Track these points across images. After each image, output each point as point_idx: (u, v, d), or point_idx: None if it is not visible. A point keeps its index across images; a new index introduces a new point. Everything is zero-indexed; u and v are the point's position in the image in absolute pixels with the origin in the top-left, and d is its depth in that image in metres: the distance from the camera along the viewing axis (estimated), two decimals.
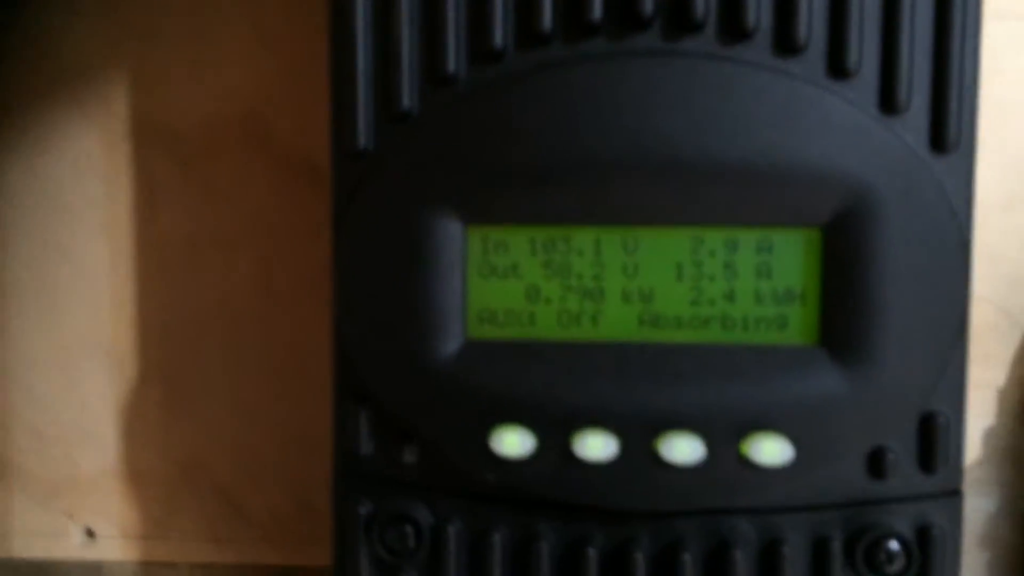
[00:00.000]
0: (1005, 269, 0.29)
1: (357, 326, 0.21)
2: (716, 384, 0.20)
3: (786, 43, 0.20)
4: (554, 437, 0.20)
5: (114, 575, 0.34)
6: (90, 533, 0.34)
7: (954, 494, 0.21)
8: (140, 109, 0.32)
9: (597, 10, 0.20)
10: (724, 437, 0.20)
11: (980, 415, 0.30)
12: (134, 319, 0.33)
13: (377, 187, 0.21)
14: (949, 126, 0.20)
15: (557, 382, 0.21)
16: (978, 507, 0.30)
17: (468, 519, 0.22)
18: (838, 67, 0.20)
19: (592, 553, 0.21)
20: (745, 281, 0.20)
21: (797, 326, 0.20)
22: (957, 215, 0.20)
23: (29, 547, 0.34)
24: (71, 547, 0.34)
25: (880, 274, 0.20)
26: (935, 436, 0.20)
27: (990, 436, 0.30)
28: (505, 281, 0.21)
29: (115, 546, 0.34)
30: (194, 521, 0.33)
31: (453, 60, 0.21)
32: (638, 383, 0.20)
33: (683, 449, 0.20)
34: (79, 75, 0.32)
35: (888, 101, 0.20)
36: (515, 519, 0.21)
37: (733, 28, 0.20)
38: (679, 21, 0.20)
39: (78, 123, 0.32)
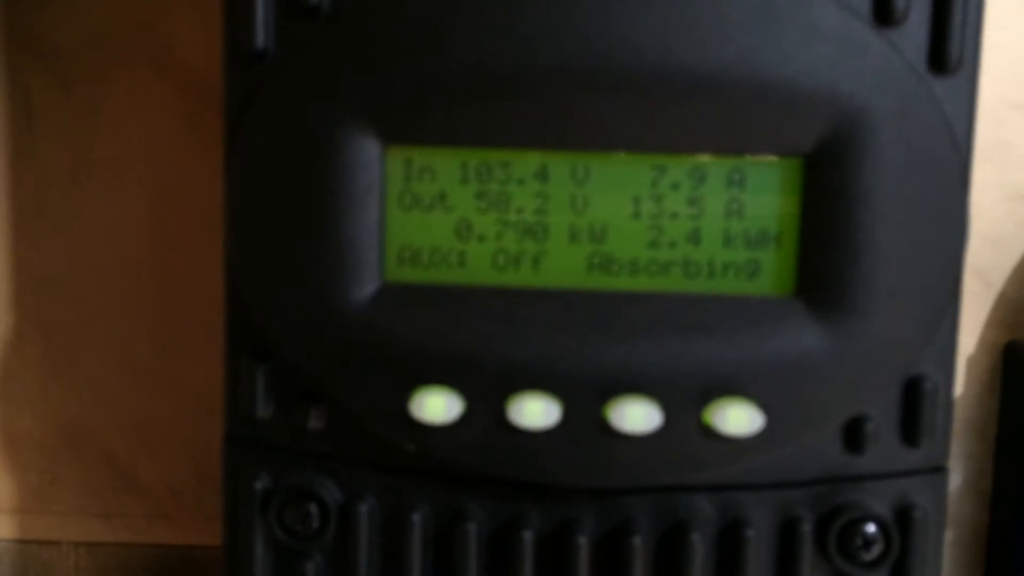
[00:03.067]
0: (977, 226, 0.28)
1: (253, 267, 0.18)
2: (676, 341, 0.17)
3: None
4: (485, 401, 0.17)
5: None
6: None
7: (939, 471, 0.18)
8: (15, 21, 0.28)
9: None
10: (684, 403, 0.17)
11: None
12: (8, 265, 0.30)
13: (277, 96, 0.18)
14: (951, 42, 0.17)
15: (490, 336, 0.17)
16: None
17: (383, 496, 0.19)
18: None
19: (527, 536, 0.18)
20: (712, 220, 0.18)
21: (771, 274, 0.18)
22: (959, 146, 0.17)
23: None
24: None
25: (870, 214, 0.17)
26: (921, 404, 0.18)
27: (957, 406, 0.28)
28: (431, 214, 0.18)
29: None
30: (79, 494, 0.31)
31: None
32: (585, 339, 0.17)
33: (636, 416, 0.17)
34: None
35: (884, 9, 0.17)
36: (438, 496, 0.18)
37: None
38: None
39: None
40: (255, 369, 0.18)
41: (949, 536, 0.29)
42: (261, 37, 0.18)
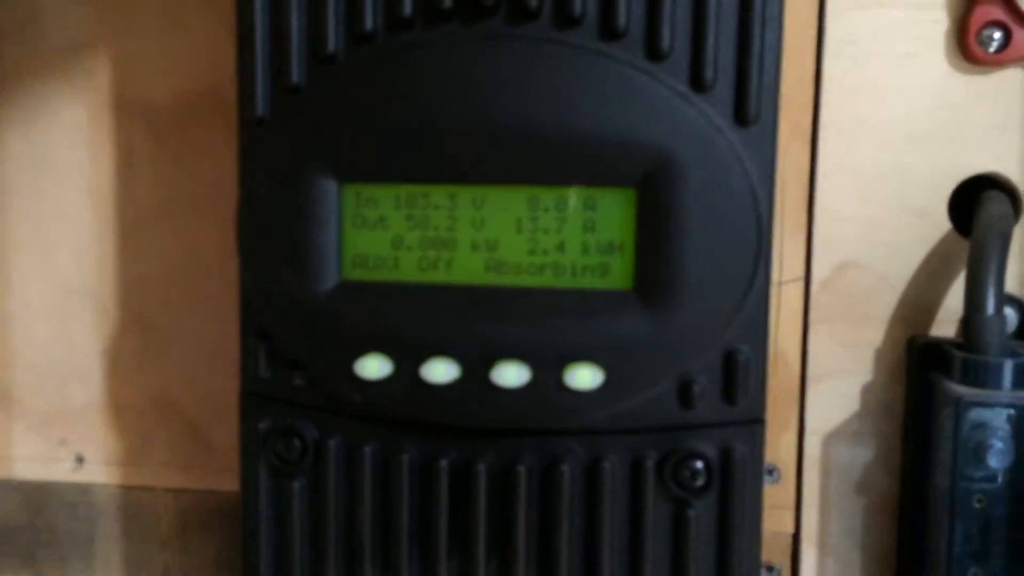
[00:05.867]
0: (883, 237, 0.32)
1: (254, 271, 0.25)
2: (544, 321, 0.23)
3: (609, 30, 0.23)
4: (407, 363, 0.24)
5: (100, 497, 0.39)
6: (80, 459, 0.38)
7: (754, 422, 0.24)
8: (120, 84, 0.36)
9: (449, 1, 0.24)
10: (547, 366, 0.23)
11: (859, 372, 0.32)
12: (116, 271, 0.37)
13: (269, 150, 0.25)
14: (750, 102, 0.23)
15: (412, 317, 0.24)
16: (856, 457, 0.33)
17: (344, 435, 0.25)
18: (654, 51, 0.23)
19: (444, 465, 0.25)
20: (573, 234, 0.24)
21: (616, 274, 0.24)
22: (750, 177, 0.23)
23: (28, 470, 0.39)
24: (64, 471, 0.39)
25: (684, 229, 0.23)
26: (736, 371, 0.23)
27: (867, 391, 0.32)
28: (374, 231, 0.25)
29: (101, 471, 0.38)
30: (167, 451, 0.38)
31: (333, 42, 0.24)
32: (480, 319, 0.24)
33: (512, 375, 0.23)
34: (68, 54, 0.36)
35: (697, 80, 0.23)
36: (381, 436, 0.25)
37: (564, 16, 0.23)
38: (519, 9, 0.23)
39: (67, 96, 0.36)
40: (258, 344, 0.26)
41: (864, 502, 0.33)
42: (260, 108, 0.25)
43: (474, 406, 0.24)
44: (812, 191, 0.32)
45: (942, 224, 0.31)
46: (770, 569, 0.33)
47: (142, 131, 0.36)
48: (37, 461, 0.39)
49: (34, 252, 0.38)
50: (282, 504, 0.26)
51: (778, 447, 0.33)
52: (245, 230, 0.25)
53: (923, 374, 0.31)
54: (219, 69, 0.35)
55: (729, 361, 0.23)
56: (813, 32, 0.31)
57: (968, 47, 0.29)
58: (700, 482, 0.23)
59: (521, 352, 0.23)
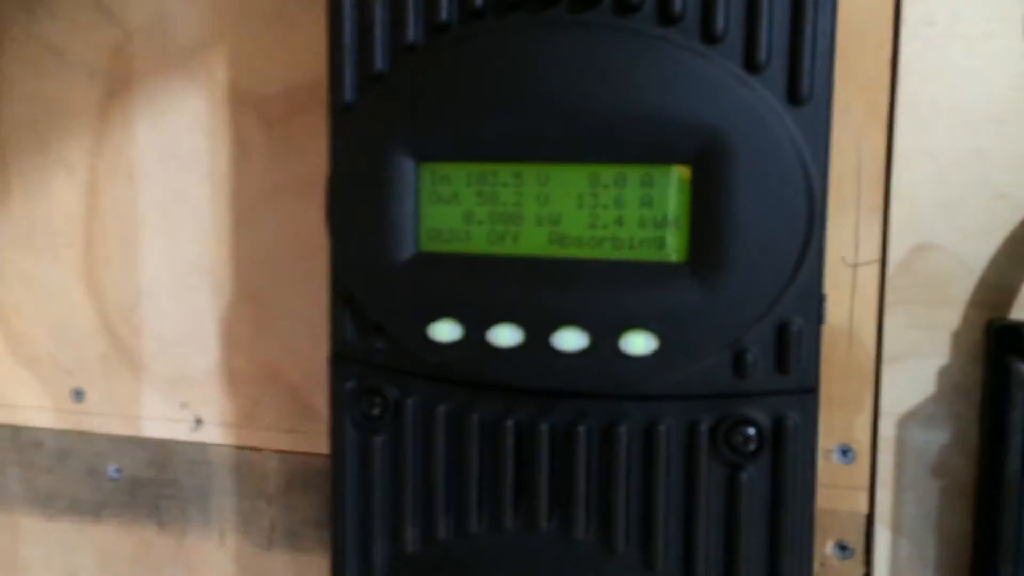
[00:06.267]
0: (961, 220, 0.32)
1: (341, 243, 0.28)
2: (602, 291, 0.25)
3: (666, 15, 0.24)
4: (475, 328, 0.26)
5: (215, 455, 0.42)
6: (198, 421, 0.42)
7: (806, 391, 0.24)
8: (235, 78, 0.39)
9: None
10: (604, 332, 0.25)
11: (936, 354, 0.32)
12: (230, 250, 0.41)
13: (355, 133, 0.27)
14: (802, 82, 0.24)
15: (481, 286, 0.26)
16: (932, 439, 0.33)
17: (421, 395, 0.28)
18: (709, 34, 0.24)
19: (509, 424, 0.26)
20: (631, 209, 0.25)
21: (671, 247, 0.25)
22: (802, 154, 0.24)
23: (155, 429, 0.43)
24: (184, 431, 0.42)
25: (736, 205, 0.24)
26: (789, 342, 0.24)
27: (944, 374, 0.33)
28: (448, 206, 0.27)
29: (216, 432, 0.42)
30: (274, 415, 0.41)
31: (413, 32, 0.27)
32: (543, 288, 0.26)
33: (571, 340, 0.25)
34: (191, 52, 0.40)
35: (750, 61, 0.24)
36: (453, 396, 0.27)
37: (624, 3, 0.25)
38: None
39: (190, 90, 0.40)
40: (344, 310, 0.28)
41: (940, 484, 0.33)
42: (349, 95, 0.27)
43: (536, 369, 0.25)
44: (889, 173, 0.32)
45: (1021, 206, 0.31)
46: (844, 548, 0.34)
47: (254, 121, 0.39)
48: (162, 421, 0.43)
49: (161, 233, 0.41)
50: (365, 457, 0.28)
51: (853, 428, 0.33)
52: (334, 206, 0.28)
53: (1001, 357, 0.31)
54: (321, 63, 0.37)
55: (782, 332, 0.24)
56: (890, 15, 0.32)
57: None
58: (752, 447, 0.24)
59: (580, 319, 0.25)
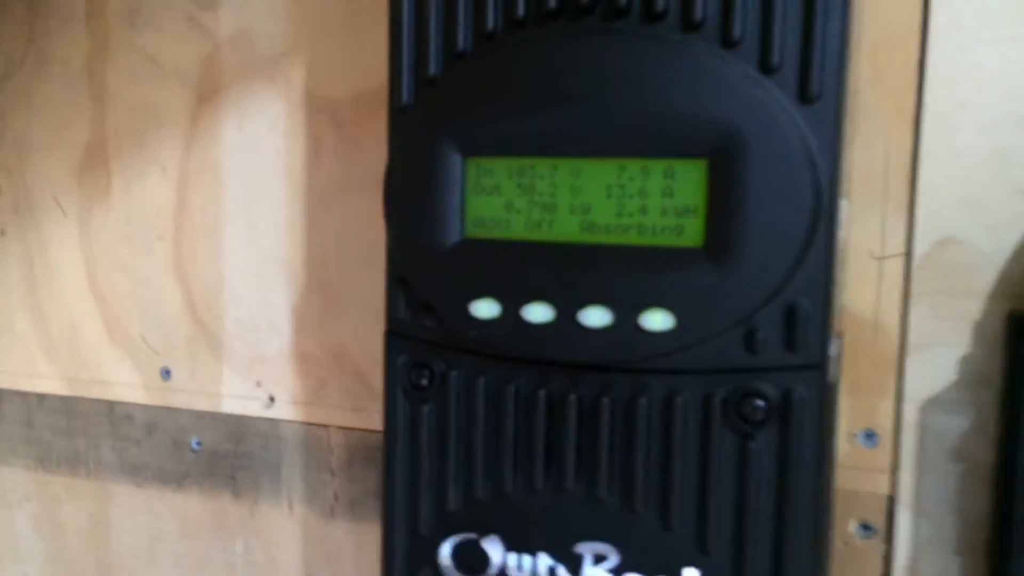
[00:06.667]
0: (985, 215, 0.34)
1: (396, 229, 0.31)
2: (627, 273, 0.28)
3: (688, 23, 0.27)
4: (512, 306, 0.29)
5: (285, 431, 0.46)
6: (271, 399, 0.46)
7: (813, 368, 0.27)
8: (310, 85, 0.43)
9: (554, 2, 0.28)
10: (626, 309, 0.27)
11: (958, 344, 0.34)
12: (304, 241, 0.44)
13: (410, 131, 0.31)
14: (812, 83, 0.26)
15: (518, 268, 0.29)
16: (953, 425, 0.34)
17: (464, 368, 0.31)
18: (727, 40, 0.27)
19: (541, 395, 0.29)
20: (655, 199, 0.28)
21: (690, 233, 0.27)
22: (811, 149, 0.26)
23: (232, 406, 0.47)
24: (259, 407, 0.46)
25: (749, 195, 0.26)
26: (797, 322, 0.27)
27: (966, 362, 0.34)
28: (490, 197, 0.30)
29: (287, 409, 0.46)
30: (340, 395, 0.44)
31: (462, 40, 0.30)
32: (573, 270, 0.28)
33: (596, 317, 0.28)
34: (271, 61, 0.44)
35: (765, 64, 0.26)
36: (492, 369, 0.30)
37: (650, 12, 0.27)
38: (612, 8, 0.28)
39: (270, 96, 0.44)
40: (397, 290, 0.31)
41: (960, 469, 0.34)
42: (405, 97, 0.31)
43: (565, 343, 0.28)
44: (915, 171, 0.34)
45: None
46: (867, 528, 0.36)
47: (327, 124, 0.43)
48: (239, 398, 0.47)
49: (242, 225, 0.45)
50: (414, 424, 0.31)
51: (877, 413, 0.35)
52: (390, 197, 0.31)
53: (1019, 346, 0.32)
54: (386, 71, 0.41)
55: (790, 313, 0.27)
56: (919, 19, 0.33)
57: None
58: (760, 417, 0.27)
59: (605, 298, 0.28)
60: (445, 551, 0.30)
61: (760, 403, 0.27)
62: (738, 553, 0.27)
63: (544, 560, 0.29)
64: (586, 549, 0.29)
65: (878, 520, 0.35)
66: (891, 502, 0.35)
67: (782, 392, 0.27)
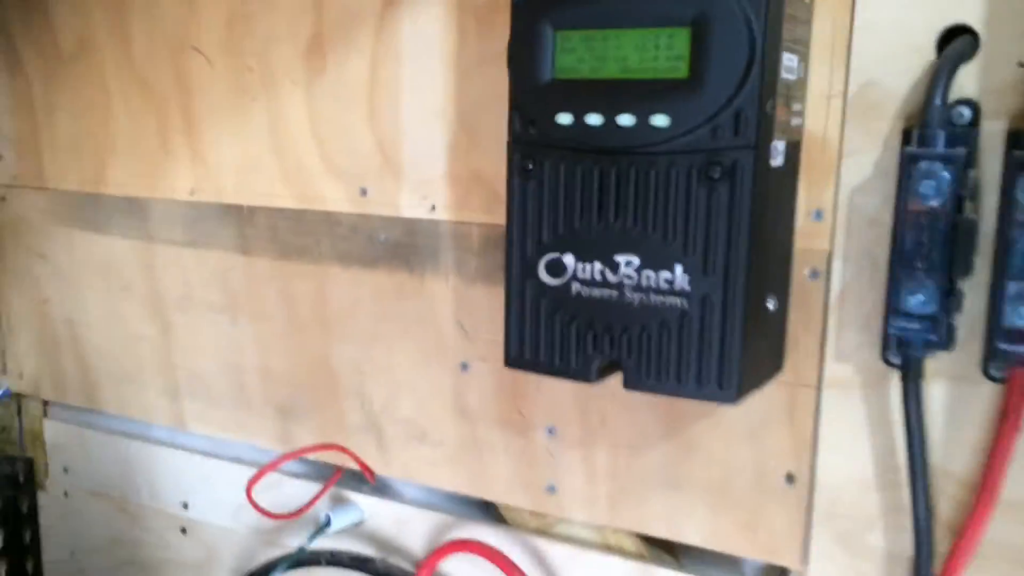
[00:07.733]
0: (891, 67, 0.52)
1: (514, 73, 0.52)
2: (645, 92, 0.48)
3: None
4: (579, 115, 0.49)
5: (442, 228, 0.67)
6: (433, 207, 0.68)
7: (750, 148, 0.46)
8: None
9: None
10: (644, 114, 0.48)
11: (872, 150, 0.53)
12: (455, 100, 0.65)
13: (523, 16, 0.51)
14: None
15: (583, 93, 0.50)
16: (868, 203, 0.53)
17: (553, 158, 0.52)
18: None
19: (596, 170, 0.50)
20: (663, 51, 0.48)
21: (681, 70, 0.47)
22: (749, 17, 0.45)
23: (408, 211, 0.69)
24: (425, 212, 0.68)
25: (711, 45, 0.46)
26: (740, 121, 0.46)
27: (878, 163, 0.53)
28: (570, 54, 0.50)
29: (444, 213, 0.67)
30: (479, 203, 0.65)
31: None
32: (614, 95, 0.49)
33: (626, 119, 0.48)
34: None
35: None
36: (569, 158, 0.51)
37: None
38: None
39: (434, 0, 0.65)
40: (515, 114, 0.53)
41: (873, 232, 0.54)
42: None
43: (609, 137, 0.49)
44: (851, 39, 0.52)
45: None
46: (815, 274, 0.56)
47: (471, 18, 0.64)
48: (411, 207, 0.69)
49: (415, 91, 0.67)
50: (524, 194, 0.53)
51: (823, 197, 0.55)
52: (511, 56, 0.52)
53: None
54: None
55: (737, 115, 0.46)
56: None
57: None
58: (718, 175, 0.47)
59: (631, 107, 0.48)
60: (541, 265, 0.52)
61: (718, 168, 0.47)
62: (705, 256, 0.48)
63: (597, 265, 0.51)
64: (621, 257, 0.50)
65: (822, 267, 0.55)
66: (829, 256, 0.55)
67: (732, 162, 0.47)
